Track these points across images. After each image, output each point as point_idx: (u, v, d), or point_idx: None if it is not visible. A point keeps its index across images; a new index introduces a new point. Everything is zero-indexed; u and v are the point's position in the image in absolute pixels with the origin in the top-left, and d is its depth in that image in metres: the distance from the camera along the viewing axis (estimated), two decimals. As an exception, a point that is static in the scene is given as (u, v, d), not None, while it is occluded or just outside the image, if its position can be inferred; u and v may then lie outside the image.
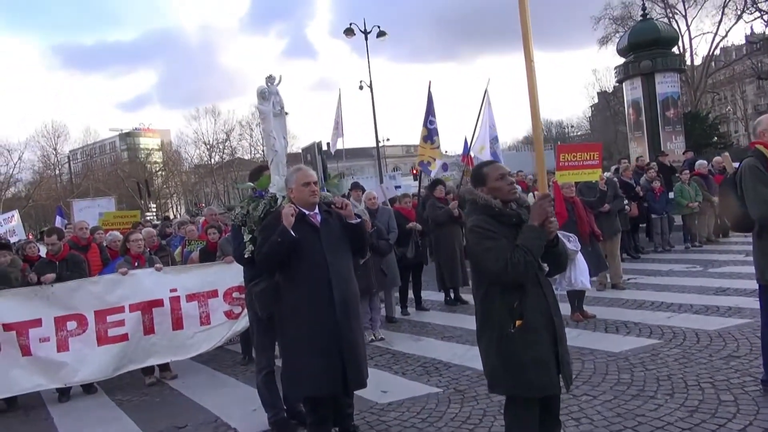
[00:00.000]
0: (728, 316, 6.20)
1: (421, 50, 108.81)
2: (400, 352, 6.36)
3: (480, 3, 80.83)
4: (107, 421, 5.36)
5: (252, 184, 4.57)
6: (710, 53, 35.92)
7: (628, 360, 5.16)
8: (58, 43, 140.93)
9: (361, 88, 26.96)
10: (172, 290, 6.37)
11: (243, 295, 5.62)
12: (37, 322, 5.90)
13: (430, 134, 10.12)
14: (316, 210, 3.97)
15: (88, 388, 6.19)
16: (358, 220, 4.09)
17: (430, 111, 10.12)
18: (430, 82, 10.29)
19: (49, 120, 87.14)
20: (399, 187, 15.37)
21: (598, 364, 5.16)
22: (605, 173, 9.96)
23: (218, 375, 6.42)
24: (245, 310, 5.47)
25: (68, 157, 55.94)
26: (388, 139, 53.21)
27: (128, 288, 6.22)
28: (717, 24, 33.97)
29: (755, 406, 3.90)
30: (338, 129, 13.21)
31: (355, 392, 4.12)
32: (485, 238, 2.89)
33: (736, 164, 4.24)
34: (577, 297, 6.77)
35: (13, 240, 10.64)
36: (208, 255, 7.26)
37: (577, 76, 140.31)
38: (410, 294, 8.53)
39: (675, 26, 31.94)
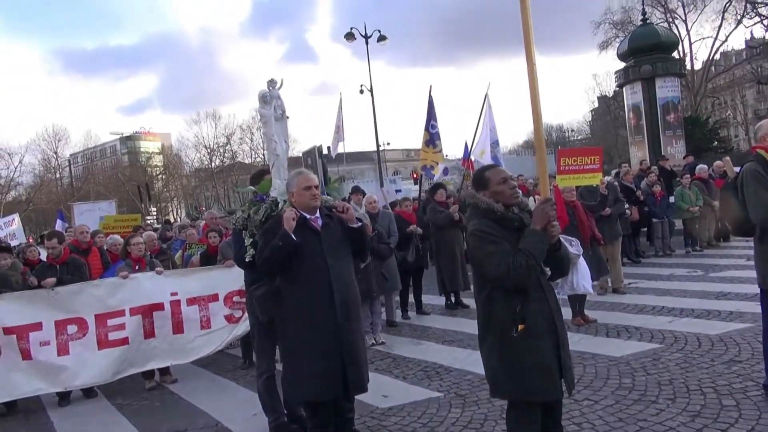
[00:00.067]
0: (730, 321, 6.19)
1: (422, 54, 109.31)
2: (400, 356, 6.35)
3: (480, 7, 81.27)
4: (107, 426, 5.35)
5: (253, 188, 4.58)
6: (710, 58, 36.06)
7: (630, 364, 5.15)
8: (58, 46, 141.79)
9: (361, 92, 27.01)
10: (172, 294, 6.36)
11: (243, 299, 5.60)
12: (38, 326, 5.88)
13: (432, 138, 10.11)
14: (317, 214, 3.97)
15: (89, 392, 6.17)
16: (359, 223, 4.09)
17: (431, 115, 10.10)
18: (431, 87, 10.24)
19: (50, 123, 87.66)
20: (399, 190, 15.35)
21: (599, 368, 5.14)
22: (606, 177, 9.96)
23: (218, 379, 6.41)
24: (246, 314, 5.46)
25: (69, 161, 55.95)
26: (388, 143, 53.42)
27: (129, 292, 6.21)
28: (717, 29, 34.21)
29: (757, 411, 3.89)
30: (339, 133, 13.19)
31: (355, 397, 4.10)
32: (487, 242, 2.88)
33: (737, 169, 4.25)
34: (578, 301, 6.77)
35: (13, 243, 10.67)
36: (209, 259, 7.27)
37: (577, 81, 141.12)
38: (411, 298, 8.50)
39: (675, 31, 32.07)
